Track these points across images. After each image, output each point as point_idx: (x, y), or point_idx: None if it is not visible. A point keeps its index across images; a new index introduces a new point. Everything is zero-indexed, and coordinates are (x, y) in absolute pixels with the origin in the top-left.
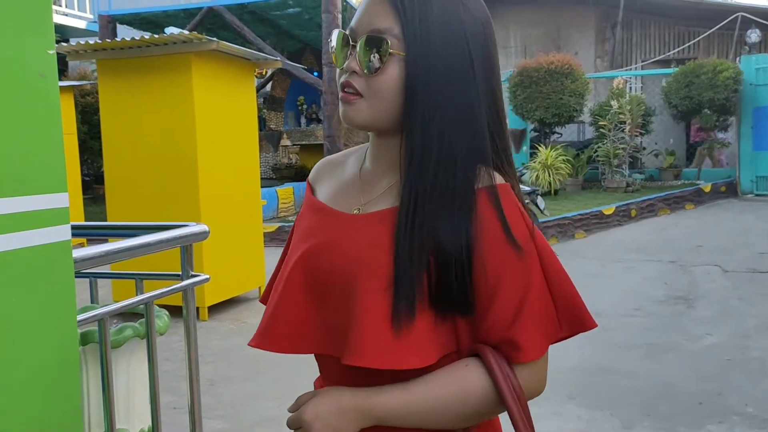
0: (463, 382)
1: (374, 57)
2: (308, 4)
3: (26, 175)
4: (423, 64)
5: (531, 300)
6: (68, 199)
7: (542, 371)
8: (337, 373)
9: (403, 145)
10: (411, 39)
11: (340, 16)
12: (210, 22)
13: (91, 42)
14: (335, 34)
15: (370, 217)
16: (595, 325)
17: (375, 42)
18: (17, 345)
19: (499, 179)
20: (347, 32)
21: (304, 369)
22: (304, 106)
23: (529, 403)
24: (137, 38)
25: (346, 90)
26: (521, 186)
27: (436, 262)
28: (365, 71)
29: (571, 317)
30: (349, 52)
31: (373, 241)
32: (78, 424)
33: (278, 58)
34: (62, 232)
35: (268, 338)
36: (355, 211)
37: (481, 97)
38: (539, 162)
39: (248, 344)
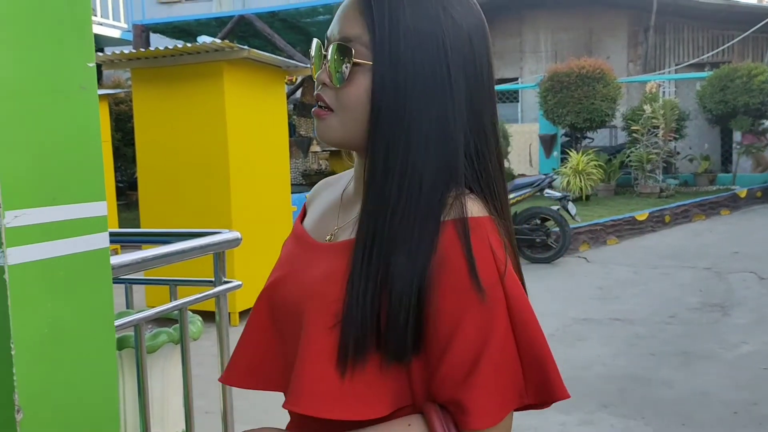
0: None
1: (345, 67)
2: None
3: (67, 185)
4: (390, 75)
5: (490, 354)
6: (107, 207)
7: None
8: (292, 413)
9: (366, 166)
10: (379, 47)
11: None
12: (241, 30)
13: (126, 51)
14: (314, 43)
15: (336, 247)
16: (568, 396)
17: (343, 51)
18: (58, 350)
19: (477, 210)
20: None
21: None
22: None
23: (560, 410)
24: (170, 47)
25: (318, 104)
26: (551, 192)
27: (389, 301)
28: (334, 83)
29: (538, 381)
30: (322, 63)
31: (329, 273)
32: (115, 427)
33: (308, 65)
34: (101, 240)
35: (233, 372)
36: (327, 239)
37: (457, 114)
38: (570, 167)
39: (218, 380)
